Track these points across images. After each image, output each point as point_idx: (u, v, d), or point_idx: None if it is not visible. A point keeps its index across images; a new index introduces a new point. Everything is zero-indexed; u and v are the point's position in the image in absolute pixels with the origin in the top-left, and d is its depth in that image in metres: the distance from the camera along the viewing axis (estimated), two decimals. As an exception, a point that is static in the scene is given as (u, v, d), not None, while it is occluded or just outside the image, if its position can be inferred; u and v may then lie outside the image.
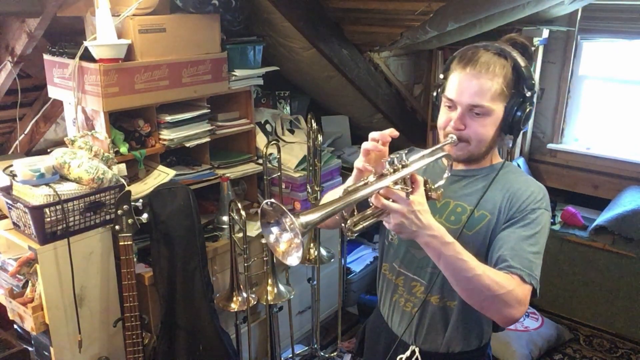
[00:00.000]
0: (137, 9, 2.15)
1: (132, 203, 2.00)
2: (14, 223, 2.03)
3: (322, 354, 2.97)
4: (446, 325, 1.40)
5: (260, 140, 2.83)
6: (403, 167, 1.15)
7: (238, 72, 2.58)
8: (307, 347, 3.01)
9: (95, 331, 2.10)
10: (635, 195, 3.18)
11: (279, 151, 2.58)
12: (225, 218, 2.48)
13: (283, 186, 2.73)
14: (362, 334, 1.69)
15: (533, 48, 3.32)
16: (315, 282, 2.86)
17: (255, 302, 2.53)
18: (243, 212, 2.24)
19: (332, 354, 3.00)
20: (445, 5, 2.54)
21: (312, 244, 2.71)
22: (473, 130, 1.28)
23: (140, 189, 2.25)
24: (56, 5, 2.11)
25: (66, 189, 1.93)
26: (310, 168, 2.64)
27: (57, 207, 1.88)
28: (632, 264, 3.07)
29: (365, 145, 1.22)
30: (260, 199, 2.85)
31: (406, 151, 1.28)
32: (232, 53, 2.55)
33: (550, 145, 3.68)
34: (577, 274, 3.28)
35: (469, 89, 1.25)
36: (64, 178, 2.00)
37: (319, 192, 2.62)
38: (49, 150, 2.07)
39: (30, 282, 2.03)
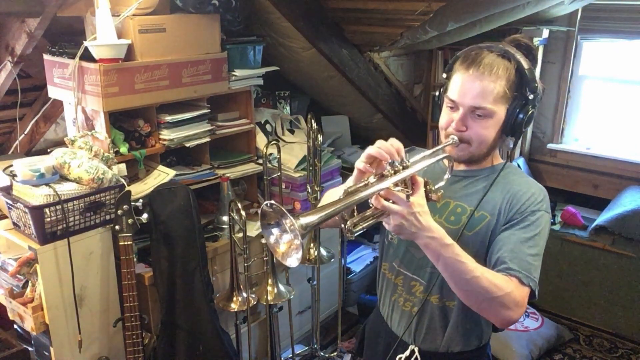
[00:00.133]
0: (137, 9, 2.15)
1: (132, 203, 2.00)
2: (14, 223, 2.03)
3: (322, 354, 2.97)
4: (445, 325, 1.40)
5: (260, 140, 2.83)
6: (404, 168, 1.15)
7: (238, 72, 2.58)
8: (307, 347, 3.01)
9: (95, 331, 2.10)
10: (635, 195, 3.18)
11: (279, 151, 2.58)
12: (225, 218, 2.48)
13: (283, 186, 2.73)
14: (361, 334, 1.69)
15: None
16: (315, 282, 2.86)
17: (255, 302, 2.53)
18: (243, 212, 2.24)
19: (332, 354, 3.00)
20: (445, 5, 2.54)
21: (312, 244, 2.71)
22: (474, 131, 1.28)
23: (140, 189, 2.25)
24: (56, 5, 2.11)
25: (66, 189, 1.93)
26: (310, 168, 2.64)
27: (57, 207, 1.88)
28: (632, 264, 3.07)
29: (370, 150, 1.20)
30: (260, 199, 2.85)
31: (406, 151, 1.28)
32: (232, 53, 2.55)
33: (550, 145, 3.68)
34: (577, 274, 3.28)
35: (472, 90, 1.25)
36: (64, 178, 2.00)
37: (319, 192, 2.62)
38: (49, 150, 2.07)
39: (30, 282, 2.03)
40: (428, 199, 1.19)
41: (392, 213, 1.12)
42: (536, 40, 3.30)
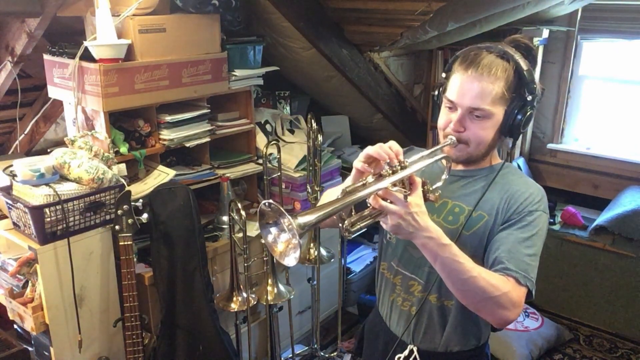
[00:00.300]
0: (137, 9, 2.15)
1: (132, 203, 2.00)
2: (14, 223, 2.03)
3: (322, 354, 2.97)
4: (444, 324, 1.40)
5: (260, 140, 2.83)
6: (402, 168, 1.15)
7: (238, 72, 2.58)
8: (307, 347, 3.01)
9: (95, 331, 2.10)
10: (635, 195, 3.18)
11: (279, 151, 2.58)
12: (225, 218, 2.47)
13: (283, 186, 2.73)
14: (361, 334, 1.70)
15: (533, 48, 3.32)
16: (315, 282, 2.86)
17: (255, 302, 2.53)
18: (243, 212, 2.24)
19: (332, 354, 3.00)
20: (445, 5, 2.54)
21: (312, 244, 2.71)
22: (473, 132, 1.28)
23: (140, 189, 2.25)
24: (56, 5, 2.11)
25: (66, 189, 1.94)
26: (310, 168, 2.64)
27: (57, 207, 1.88)
28: (632, 264, 3.07)
29: (369, 150, 1.20)
30: (260, 199, 2.85)
31: (405, 151, 1.28)
32: (232, 53, 2.55)
33: (550, 145, 3.68)
34: (577, 274, 3.28)
35: (470, 91, 1.25)
36: (64, 178, 2.00)
37: (319, 192, 2.62)
38: (49, 150, 2.07)
39: (30, 282, 2.03)
40: (426, 199, 1.20)
41: (390, 213, 1.12)
42: (536, 40, 3.30)
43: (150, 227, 2.18)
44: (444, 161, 1.30)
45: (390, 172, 1.14)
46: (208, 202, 2.74)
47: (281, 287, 2.57)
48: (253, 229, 2.52)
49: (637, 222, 3.00)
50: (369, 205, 1.15)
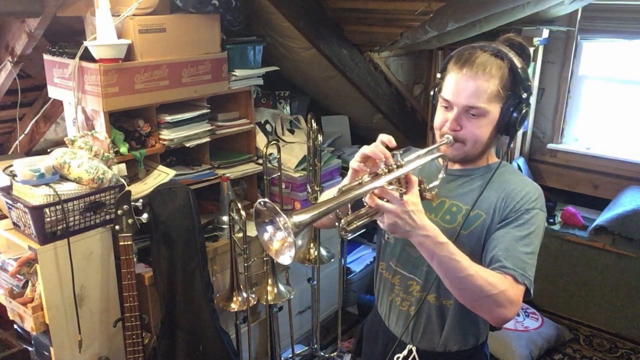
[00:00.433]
0: (137, 9, 2.15)
1: (132, 203, 2.00)
2: (14, 223, 2.03)
3: (322, 354, 2.97)
4: (443, 323, 1.40)
5: (260, 140, 2.83)
6: (398, 167, 1.15)
7: (238, 72, 2.58)
8: (307, 347, 3.01)
9: (95, 331, 2.10)
10: (635, 195, 3.18)
11: (279, 151, 2.58)
12: (225, 218, 2.47)
13: (283, 186, 2.73)
14: (360, 334, 1.70)
15: (533, 48, 3.32)
16: (315, 282, 2.86)
17: (255, 302, 2.53)
18: (243, 212, 2.24)
19: (332, 354, 3.00)
20: (445, 5, 2.54)
21: (312, 244, 2.71)
22: (469, 131, 1.28)
23: (140, 189, 2.25)
24: (56, 5, 2.11)
25: (66, 189, 1.94)
26: (310, 168, 2.64)
27: (57, 207, 1.88)
28: (632, 264, 3.07)
29: (365, 150, 1.21)
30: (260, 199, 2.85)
31: (402, 151, 1.28)
32: (232, 53, 2.55)
33: (550, 145, 3.68)
34: (577, 274, 3.28)
35: (466, 90, 1.25)
36: (64, 178, 2.00)
37: (319, 192, 2.62)
38: (49, 150, 2.07)
39: (30, 282, 2.03)
40: (422, 197, 1.20)
41: (386, 211, 1.12)
42: (536, 40, 3.29)
43: (150, 227, 2.18)
44: (440, 160, 1.30)
45: (386, 171, 1.15)
46: (208, 202, 2.74)
47: (281, 287, 2.57)
48: (253, 229, 2.51)
49: (637, 222, 3.00)
50: (365, 204, 1.16)
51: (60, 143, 2.60)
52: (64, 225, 1.92)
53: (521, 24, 3.20)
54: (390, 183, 1.14)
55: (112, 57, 2.10)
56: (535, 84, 3.55)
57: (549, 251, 3.32)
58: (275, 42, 2.91)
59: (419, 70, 3.75)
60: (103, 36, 2.08)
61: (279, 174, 2.62)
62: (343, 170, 3.05)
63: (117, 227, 1.97)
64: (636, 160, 3.37)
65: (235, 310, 2.39)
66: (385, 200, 1.12)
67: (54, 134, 2.85)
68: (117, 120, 2.31)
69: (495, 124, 1.29)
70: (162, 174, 2.33)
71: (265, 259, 2.50)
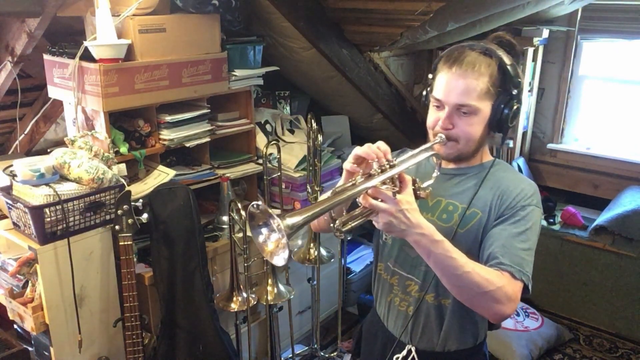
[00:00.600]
0: (137, 9, 2.15)
1: (132, 203, 2.00)
2: (14, 223, 2.03)
3: (322, 354, 2.97)
4: (441, 323, 1.40)
5: (260, 140, 2.83)
6: (391, 167, 1.16)
7: (238, 72, 2.58)
8: (307, 347, 3.01)
9: (95, 331, 2.10)
10: (635, 195, 3.18)
11: (279, 151, 2.58)
12: (225, 218, 2.48)
13: (283, 186, 2.73)
14: (358, 334, 1.70)
15: (533, 48, 3.32)
16: (315, 282, 2.86)
17: (255, 302, 2.53)
18: (243, 212, 2.24)
19: (332, 354, 3.00)
20: (445, 5, 2.54)
21: (312, 244, 2.71)
22: (461, 129, 1.29)
23: (140, 189, 2.25)
24: (56, 5, 2.11)
25: (66, 189, 1.94)
26: (310, 168, 2.64)
27: (57, 207, 1.88)
28: (632, 264, 3.07)
29: (357, 151, 1.22)
30: (260, 199, 2.85)
31: (397, 152, 1.29)
32: (232, 53, 2.55)
33: (550, 145, 3.68)
34: (577, 274, 3.28)
35: (456, 88, 1.27)
36: (64, 178, 2.00)
37: (319, 192, 2.62)
38: (49, 150, 2.07)
39: (30, 282, 2.03)
40: (417, 196, 1.21)
41: (380, 211, 1.13)
42: (536, 40, 3.30)
43: (150, 227, 2.18)
44: (434, 159, 1.31)
45: (379, 171, 1.15)
46: (208, 202, 2.74)
47: (281, 287, 2.57)
48: (253, 229, 2.52)
49: (637, 222, 3.00)
50: (359, 204, 1.16)
51: (60, 143, 2.60)
52: (64, 225, 1.92)
53: (521, 24, 3.20)
54: (383, 183, 1.14)
55: (112, 57, 2.10)
56: (535, 84, 3.55)
57: (549, 251, 3.32)
58: (275, 42, 2.91)
59: (419, 70, 3.75)
60: (103, 36, 2.08)
61: (279, 174, 2.62)
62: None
63: (117, 227, 1.97)
64: (636, 160, 3.37)
65: (235, 310, 2.39)
66: (379, 200, 1.13)
67: (54, 134, 2.85)
68: (117, 120, 2.31)
69: (486, 121, 1.30)
70: (162, 174, 2.33)
71: (265, 259, 2.50)
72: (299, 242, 2.76)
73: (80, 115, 2.26)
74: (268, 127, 3.02)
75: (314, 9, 2.85)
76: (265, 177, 2.55)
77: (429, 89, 1.36)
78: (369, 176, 1.16)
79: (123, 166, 2.18)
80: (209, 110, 2.51)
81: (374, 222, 1.18)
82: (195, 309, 2.26)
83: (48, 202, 1.87)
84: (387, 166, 1.16)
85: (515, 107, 1.28)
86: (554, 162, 3.69)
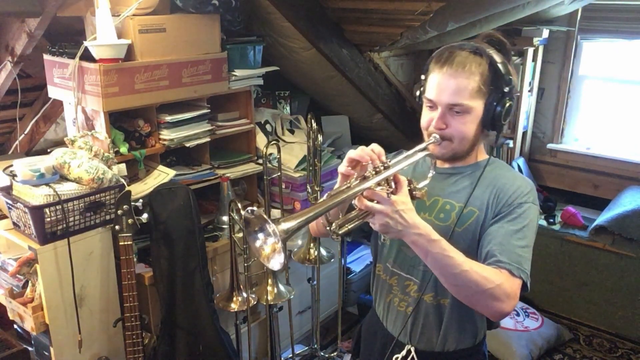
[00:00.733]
0: (137, 9, 2.15)
1: (132, 203, 2.00)
2: (14, 223, 2.03)
3: (322, 354, 2.97)
4: (440, 323, 1.40)
5: (260, 140, 2.83)
6: (385, 168, 1.17)
7: (238, 72, 2.58)
8: (307, 347, 3.01)
9: (95, 331, 2.10)
10: (635, 195, 3.18)
11: (279, 151, 2.58)
12: (225, 218, 2.48)
13: (283, 186, 2.73)
14: (358, 334, 1.70)
15: (533, 48, 3.32)
16: (315, 282, 2.85)
17: (255, 302, 2.53)
18: (243, 212, 2.23)
19: (332, 354, 3.00)
20: (445, 5, 2.54)
21: (312, 244, 2.71)
22: (455, 128, 1.30)
23: (140, 189, 2.25)
24: (56, 5, 2.11)
25: (66, 189, 1.94)
26: (310, 168, 2.64)
27: (57, 207, 1.88)
28: (632, 264, 3.07)
29: (351, 154, 1.23)
30: (260, 199, 2.85)
31: (393, 154, 1.30)
32: (232, 53, 2.55)
33: (550, 145, 3.68)
34: (577, 274, 3.28)
35: (447, 88, 1.27)
36: (64, 178, 2.00)
37: (319, 192, 2.62)
38: (49, 150, 2.07)
39: (30, 282, 2.03)
40: (413, 197, 1.21)
41: (376, 212, 1.13)
42: (536, 40, 3.30)
43: (150, 227, 2.18)
44: (429, 159, 1.32)
45: (374, 173, 1.16)
46: (208, 202, 2.74)
47: (281, 287, 2.57)
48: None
49: (637, 222, 3.00)
50: (355, 207, 1.17)
51: (60, 143, 2.60)
52: (64, 225, 1.92)
53: (521, 24, 3.20)
54: (378, 184, 1.15)
55: (112, 57, 2.10)
56: (535, 84, 3.55)
57: (549, 251, 3.32)
58: (275, 42, 2.91)
59: (419, 70, 3.74)
60: (103, 36, 2.08)
61: (279, 174, 2.62)
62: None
63: (117, 227, 1.97)
64: (636, 160, 3.37)
65: (235, 310, 2.39)
66: (375, 201, 1.13)
67: (54, 134, 2.85)
68: (117, 120, 2.31)
69: (480, 119, 1.30)
70: (162, 174, 2.33)
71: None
72: (299, 242, 2.77)
73: (80, 115, 2.26)
74: (268, 127, 3.02)
75: (314, 9, 2.85)
76: (265, 177, 2.55)
77: (420, 90, 1.37)
78: (363, 178, 1.16)
79: (123, 166, 2.18)
80: (209, 110, 2.51)
81: (370, 224, 1.18)
82: (195, 309, 2.26)
83: (48, 202, 1.87)
84: (382, 168, 1.17)
85: (507, 105, 1.29)
86: (554, 162, 3.69)
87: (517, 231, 1.26)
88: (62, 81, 2.27)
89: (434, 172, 1.32)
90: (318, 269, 2.82)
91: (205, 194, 2.71)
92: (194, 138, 2.46)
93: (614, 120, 3.49)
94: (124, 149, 2.23)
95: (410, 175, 1.40)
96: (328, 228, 1.18)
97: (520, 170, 3.48)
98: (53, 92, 2.38)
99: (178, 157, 2.59)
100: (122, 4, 2.15)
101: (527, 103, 3.55)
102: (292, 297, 2.62)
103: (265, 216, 1.05)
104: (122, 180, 2.10)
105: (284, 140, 2.99)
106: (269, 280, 2.53)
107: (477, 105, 1.28)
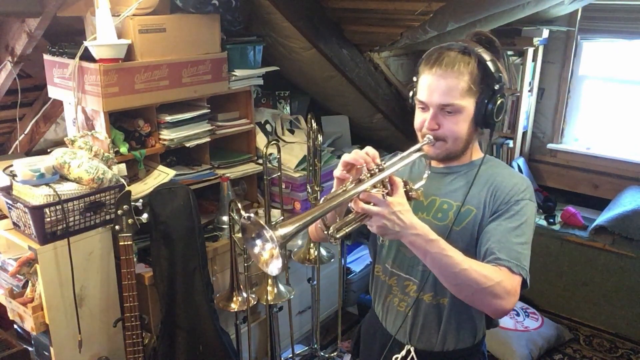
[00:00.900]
0: (137, 9, 2.15)
1: (132, 203, 2.00)
2: (14, 223, 2.03)
3: (322, 354, 2.97)
4: (440, 323, 1.41)
5: (260, 140, 2.83)
6: (380, 170, 1.17)
7: (238, 72, 2.58)
8: (307, 347, 3.01)
9: (95, 331, 2.10)
10: (635, 195, 3.18)
11: (279, 151, 2.58)
12: (225, 218, 2.48)
13: (283, 186, 2.73)
14: (357, 335, 1.70)
15: (533, 48, 3.33)
16: (315, 282, 2.86)
17: (255, 302, 2.53)
18: (243, 212, 2.23)
19: (332, 354, 3.00)
20: (445, 5, 2.54)
21: (312, 244, 2.71)
22: (447, 128, 1.31)
23: (140, 189, 2.25)
24: (56, 5, 2.11)
25: (66, 189, 1.94)
26: (310, 168, 2.64)
27: (57, 207, 1.88)
28: (632, 264, 3.07)
29: (346, 158, 1.24)
30: (260, 199, 2.85)
31: (389, 156, 1.30)
32: (232, 53, 2.55)
33: (550, 145, 3.68)
34: (577, 274, 3.28)
35: (438, 89, 1.28)
36: (64, 178, 2.00)
37: (319, 192, 2.62)
38: (49, 150, 2.07)
39: (30, 282, 2.03)
40: (409, 198, 1.22)
41: (373, 214, 1.14)
42: (536, 40, 3.30)
43: (150, 227, 2.18)
44: (424, 160, 1.33)
45: (369, 175, 1.16)
46: (208, 202, 2.74)
47: (281, 287, 2.57)
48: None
49: (637, 222, 3.00)
50: (352, 210, 1.17)
51: (60, 143, 2.60)
52: (64, 225, 1.92)
53: (521, 24, 3.20)
54: (374, 186, 1.15)
55: (112, 57, 2.10)
56: (535, 84, 3.55)
57: (549, 251, 3.32)
58: (275, 42, 2.91)
59: (419, 70, 3.74)
60: (103, 36, 2.08)
61: (279, 174, 2.62)
62: (343, 170, 3.04)
63: (117, 227, 1.97)
64: (636, 160, 3.37)
65: (235, 310, 2.39)
66: (371, 204, 1.13)
67: (54, 134, 2.85)
68: (117, 120, 2.31)
69: (472, 118, 1.31)
70: (162, 174, 2.33)
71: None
72: (299, 242, 2.77)
73: (80, 115, 2.26)
74: (268, 127, 3.02)
75: (314, 9, 2.85)
76: (265, 177, 2.54)
77: (412, 92, 1.39)
78: (359, 181, 1.17)
79: (123, 166, 2.18)
80: (209, 110, 2.51)
81: (368, 227, 1.18)
82: (195, 309, 2.26)
83: (48, 202, 1.87)
84: (377, 170, 1.17)
85: (499, 102, 1.29)
86: (554, 162, 3.69)
87: (515, 228, 1.26)
88: (62, 81, 2.27)
89: (429, 173, 1.33)
90: (318, 269, 2.82)
91: (205, 194, 2.71)
92: (194, 138, 2.46)
93: (614, 120, 3.49)
94: (124, 149, 2.23)
95: (407, 176, 1.40)
96: (326, 232, 1.18)
97: (520, 170, 3.48)
98: (53, 92, 2.38)
99: (178, 157, 2.59)
100: (122, 4, 2.16)
101: (527, 103, 3.55)
102: (292, 297, 2.62)
103: (262, 222, 1.06)
104: (122, 180, 2.10)
105: (284, 140, 2.99)
106: (269, 280, 2.53)
107: (469, 104, 1.29)
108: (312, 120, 2.56)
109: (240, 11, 2.52)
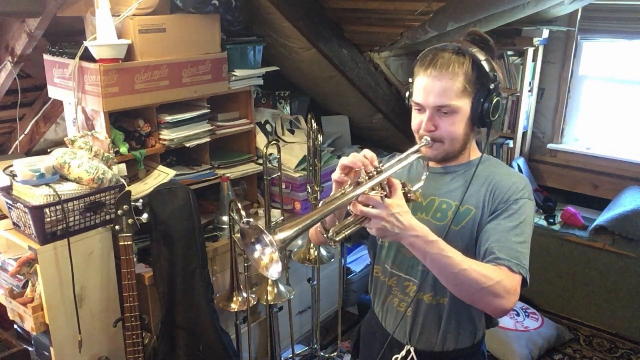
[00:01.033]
0: (137, 9, 2.15)
1: (132, 203, 2.00)
2: (14, 223, 2.03)
3: (322, 354, 2.97)
4: (440, 323, 1.41)
5: (260, 140, 2.83)
6: (378, 173, 1.17)
7: (238, 72, 2.58)
8: (307, 347, 3.01)
9: (95, 331, 2.10)
10: (635, 195, 3.18)
11: (279, 151, 2.58)
12: (225, 218, 2.48)
13: (283, 186, 2.73)
14: (357, 335, 1.70)
15: (533, 48, 3.33)
16: (315, 282, 2.86)
17: (255, 302, 2.53)
18: (243, 212, 2.23)
19: (332, 354, 3.00)
20: (445, 5, 2.54)
21: (312, 244, 2.71)
22: (444, 129, 1.31)
23: (140, 189, 2.25)
24: (56, 5, 2.11)
25: (66, 189, 1.94)
26: (310, 168, 2.64)
27: (57, 207, 1.88)
28: (632, 264, 3.07)
29: (344, 161, 1.24)
30: (260, 199, 2.85)
31: (388, 157, 1.30)
32: (232, 53, 2.55)
33: (550, 145, 3.69)
34: (577, 274, 3.28)
35: (433, 90, 1.29)
36: (64, 178, 2.00)
37: (319, 192, 2.62)
38: (49, 150, 2.07)
39: (30, 282, 2.03)
40: (407, 199, 1.22)
41: (372, 217, 1.14)
42: (536, 40, 3.30)
43: (150, 227, 2.18)
44: (422, 161, 1.33)
45: (367, 178, 1.16)
46: (208, 202, 2.74)
47: (281, 287, 2.57)
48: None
49: (637, 222, 3.00)
50: (350, 212, 1.17)
51: (60, 143, 2.60)
52: (64, 225, 1.92)
53: (521, 24, 3.20)
54: (372, 189, 1.15)
55: (112, 57, 2.10)
56: (535, 84, 3.55)
57: (549, 251, 3.32)
58: (275, 42, 2.91)
59: (419, 70, 3.74)
60: (103, 36, 2.08)
61: (279, 174, 2.62)
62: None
63: (117, 227, 1.97)
64: (636, 160, 3.37)
65: (235, 310, 2.39)
66: (370, 206, 1.14)
67: (54, 134, 2.85)
68: (117, 120, 2.31)
69: (468, 118, 1.31)
70: (162, 174, 2.33)
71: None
72: (299, 242, 2.77)
73: (80, 115, 2.26)
74: (268, 127, 3.02)
75: (314, 9, 2.85)
76: (265, 177, 2.55)
77: (408, 94, 1.39)
78: (357, 184, 1.17)
79: (123, 166, 2.18)
80: (209, 110, 2.51)
81: (367, 229, 1.18)
82: (195, 309, 2.26)
83: (48, 202, 1.87)
84: (375, 172, 1.17)
85: (495, 101, 1.30)
86: (554, 162, 3.69)
87: (514, 227, 1.27)
88: (62, 81, 2.27)
89: (427, 174, 1.33)
90: (318, 269, 2.82)
91: (205, 194, 2.71)
92: (194, 138, 2.46)
93: (614, 120, 3.50)
94: (124, 149, 2.23)
95: (406, 177, 1.41)
96: (325, 235, 1.18)
97: (520, 170, 3.48)
98: (53, 92, 2.38)
99: (178, 157, 2.59)
100: (122, 4, 2.16)
101: (527, 103, 3.55)
102: (292, 297, 2.62)
103: (261, 227, 1.06)
104: (122, 180, 2.10)
105: (284, 140, 2.99)
106: (269, 280, 2.53)
107: (464, 105, 1.29)
108: (312, 120, 2.56)
109: (240, 11, 2.52)
